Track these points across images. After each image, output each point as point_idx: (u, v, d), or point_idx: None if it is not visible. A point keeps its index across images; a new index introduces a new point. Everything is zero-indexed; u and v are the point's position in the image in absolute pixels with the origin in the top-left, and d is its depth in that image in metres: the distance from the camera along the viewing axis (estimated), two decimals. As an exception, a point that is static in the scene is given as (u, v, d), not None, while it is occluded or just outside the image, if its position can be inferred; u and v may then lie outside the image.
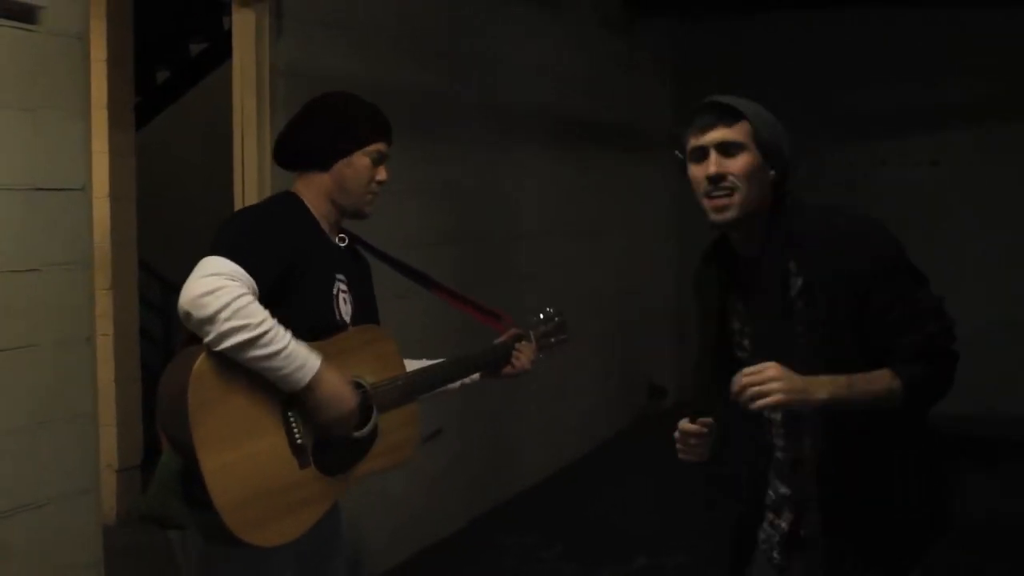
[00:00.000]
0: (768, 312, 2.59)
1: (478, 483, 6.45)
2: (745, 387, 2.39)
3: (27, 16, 3.28)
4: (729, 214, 2.55)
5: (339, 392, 2.70)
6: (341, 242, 3.01)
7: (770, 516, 2.74)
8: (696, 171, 2.59)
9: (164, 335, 8.19)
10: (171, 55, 7.90)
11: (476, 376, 3.25)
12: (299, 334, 2.67)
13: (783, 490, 2.70)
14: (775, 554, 2.73)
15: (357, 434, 2.81)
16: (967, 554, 5.62)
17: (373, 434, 2.86)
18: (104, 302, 5.84)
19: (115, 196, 6.08)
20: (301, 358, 2.62)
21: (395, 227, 4.93)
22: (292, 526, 2.71)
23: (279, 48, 4.64)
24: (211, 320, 2.53)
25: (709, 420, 2.61)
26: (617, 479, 7.32)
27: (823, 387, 2.43)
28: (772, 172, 2.57)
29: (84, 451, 3.57)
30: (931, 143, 9.08)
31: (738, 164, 2.53)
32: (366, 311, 3.03)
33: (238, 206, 4.69)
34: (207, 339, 2.55)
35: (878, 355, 2.49)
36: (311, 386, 2.64)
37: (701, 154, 2.58)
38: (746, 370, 2.42)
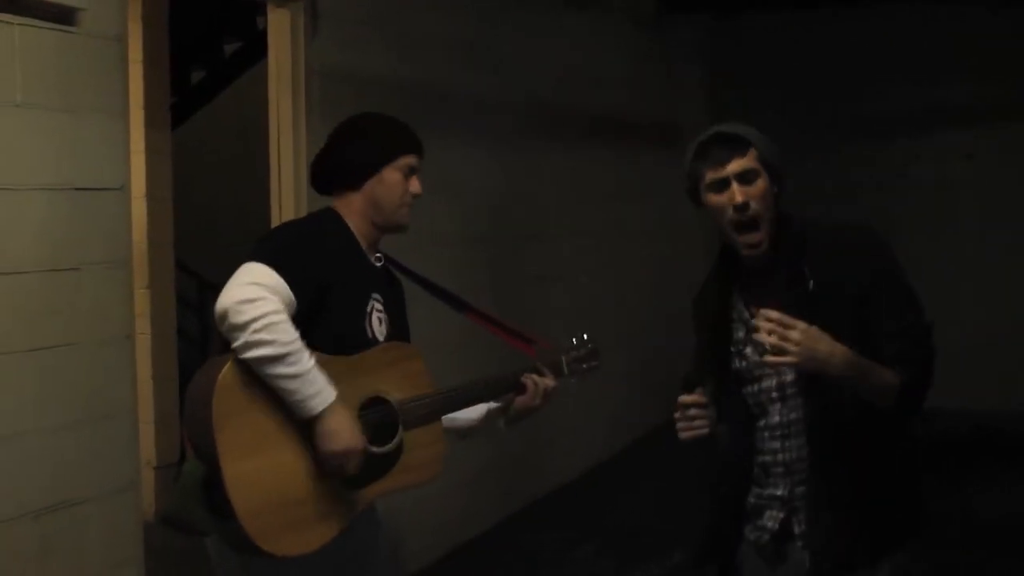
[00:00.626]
0: (785, 312, 2.63)
1: (513, 481, 6.47)
2: (772, 332, 2.48)
3: (67, 19, 3.32)
4: (763, 247, 2.68)
5: (345, 428, 2.69)
6: (378, 262, 3.03)
7: (757, 516, 2.83)
8: (718, 200, 2.70)
9: (201, 334, 8.24)
10: (205, 55, 7.95)
11: (500, 421, 3.23)
12: (329, 349, 2.72)
13: (772, 491, 2.78)
14: (765, 553, 2.83)
15: (380, 450, 2.82)
16: (987, 553, 5.64)
17: (398, 450, 2.87)
18: (141, 301, 5.89)
19: (152, 196, 6.14)
20: (319, 386, 2.65)
21: (424, 226, 4.94)
22: (312, 537, 2.71)
23: (314, 47, 4.67)
24: (243, 327, 2.56)
25: (703, 397, 2.69)
26: (650, 476, 7.31)
27: (842, 361, 2.51)
28: (777, 189, 2.71)
29: (124, 448, 3.61)
30: (966, 137, 9.02)
31: (756, 190, 2.66)
32: (400, 332, 3.04)
33: (274, 205, 4.72)
34: (235, 344, 2.59)
35: (872, 355, 2.59)
36: (321, 416, 2.66)
37: (722, 185, 2.69)
38: (782, 318, 2.49)
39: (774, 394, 2.74)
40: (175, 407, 6.32)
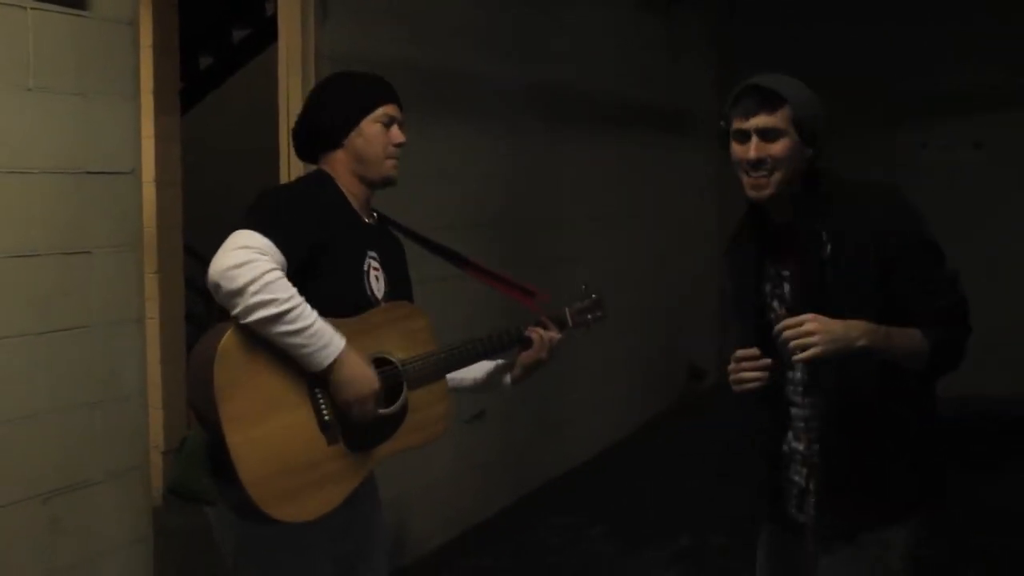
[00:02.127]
0: (801, 273, 2.73)
1: (523, 464, 6.49)
2: (787, 339, 2.53)
3: (79, 3, 3.34)
4: (765, 192, 2.71)
5: (361, 374, 2.69)
6: (371, 220, 3.01)
7: (786, 472, 2.86)
8: (738, 151, 2.74)
9: (209, 318, 8.26)
10: (214, 41, 7.96)
11: (507, 377, 3.22)
12: (329, 310, 2.69)
13: (796, 446, 2.82)
14: (791, 508, 2.86)
15: (385, 411, 2.80)
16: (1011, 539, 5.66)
17: (403, 411, 2.86)
18: (150, 286, 5.91)
19: (161, 181, 6.16)
20: (326, 337, 2.64)
21: (436, 211, 4.96)
22: (319, 503, 2.71)
23: (324, 33, 4.67)
24: (239, 293, 2.54)
25: (757, 351, 2.68)
26: (659, 460, 7.34)
27: (862, 334, 2.56)
28: (809, 149, 2.71)
29: (134, 430, 3.63)
30: (974, 125, 9.01)
31: (777, 148, 2.68)
32: (399, 289, 3.03)
33: (282, 190, 4.73)
34: (234, 312, 2.57)
35: (898, 320, 2.63)
36: (334, 366, 2.65)
37: (743, 136, 2.72)
38: (786, 322, 2.55)
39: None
40: (183, 391, 6.35)
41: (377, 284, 2.93)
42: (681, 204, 9.16)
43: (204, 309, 8.37)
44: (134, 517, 3.65)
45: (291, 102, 4.67)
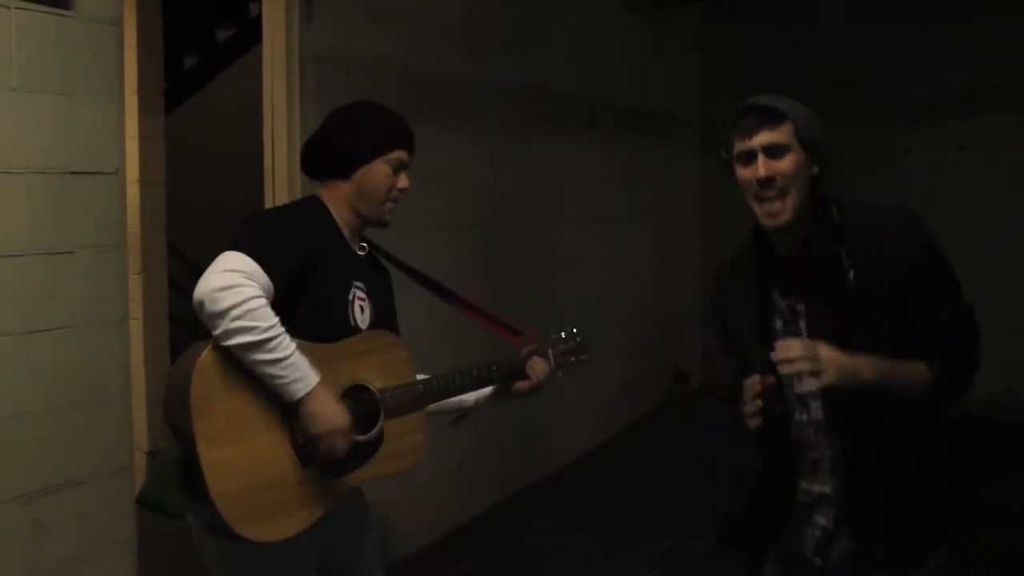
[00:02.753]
0: (819, 305, 2.61)
1: (506, 466, 6.49)
2: (798, 361, 2.41)
3: (63, 2, 3.34)
4: (783, 219, 2.57)
5: (330, 412, 2.70)
6: (361, 251, 3.02)
7: (805, 512, 2.75)
8: (745, 173, 2.60)
9: (193, 319, 8.24)
10: (198, 41, 7.94)
11: (489, 391, 3.25)
12: (313, 336, 2.72)
13: (820, 488, 2.71)
14: (807, 552, 2.74)
15: (361, 438, 2.82)
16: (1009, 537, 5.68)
17: (379, 439, 2.88)
18: (134, 286, 5.86)
19: (145, 181, 6.09)
20: (301, 371, 2.65)
21: (423, 213, 4.96)
22: (288, 524, 2.72)
23: (308, 33, 4.67)
24: (222, 315, 2.55)
25: (772, 379, 2.55)
26: (643, 463, 7.35)
27: (870, 367, 2.47)
28: (815, 169, 2.60)
29: (119, 430, 3.64)
30: (959, 128, 9.04)
31: (785, 165, 2.56)
32: (384, 320, 3.04)
33: (267, 192, 4.72)
34: (215, 332, 2.58)
35: (908, 346, 2.54)
36: (304, 400, 2.66)
37: (749, 157, 2.59)
38: (803, 343, 2.44)
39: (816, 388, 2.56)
40: (167, 392, 6.33)
41: (362, 315, 2.94)
42: (667, 206, 9.17)
43: (188, 310, 8.38)
44: (118, 518, 3.65)
45: (275, 102, 4.66)
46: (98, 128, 3.50)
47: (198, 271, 7.90)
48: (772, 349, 2.53)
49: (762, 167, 2.54)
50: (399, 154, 2.97)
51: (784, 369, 2.43)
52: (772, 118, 2.57)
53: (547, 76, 6.88)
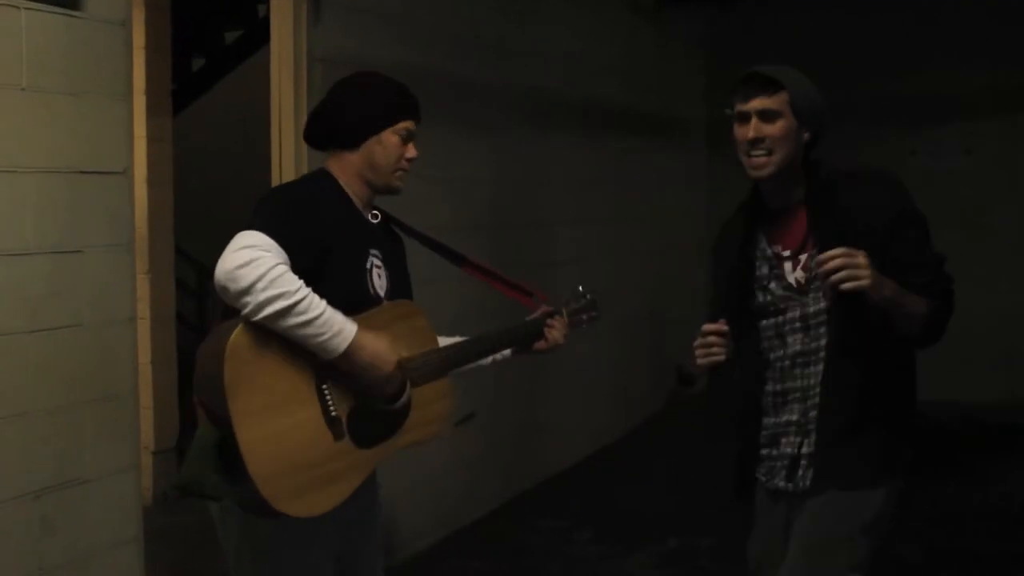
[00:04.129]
0: (826, 242, 2.83)
1: (511, 467, 6.50)
2: (840, 266, 2.66)
3: (72, 3, 3.35)
4: (766, 171, 2.93)
5: (378, 355, 2.74)
6: (374, 219, 3.04)
7: (773, 444, 3.06)
8: (739, 132, 2.96)
9: (199, 319, 8.28)
10: (206, 43, 7.97)
11: (508, 352, 3.28)
12: (334, 306, 2.71)
13: (789, 418, 3.02)
14: (779, 481, 3.05)
15: (389, 407, 2.84)
16: (1004, 542, 5.69)
17: (407, 407, 2.90)
18: (141, 286, 5.92)
19: (152, 181, 6.17)
20: (338, 324, 2.67)
21: (426, 213, 4.96)
22: (327, 498, 2.74)
23: (316, 35, 4.69)
24: (248, 291, 2.57)
25: (724, 327, 2.93)
26: (647, 463, 7.36)
27: (891, 284, 2.74)
28: (807, 134, 2.94)
29: (126, 429, 3.64)
30: (965, 132, 9.04)
31: (774, 128, 2.90)
32: (401, 287, 3.07)
33: (274, 191, 4.73)
34: (245, 311, 2.59)
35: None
36: (349, 352, 2.68)
37: (744, 118, 2.95)
38: (846, 250, 2.68)
39: (797, 324, 2.98)
40: (174, 392, 6.35)
41: (380, 281, 2.96)
42: (670, 207, 9.18)
43: (195, 310, 8.40)
44: (125, 517, 3.65)
45: (283, 103, 4.69)
46: (107, 128, 3.51)
47: (203, 270, 7.94)
48: (753, 293, 3.02)
49: (752, 129, 2.91)
50: (407, 123, 2.99)
51: (829, 269, 2.67)
52: (769, 86, 2.92)
53: (551, 78, 6.90)
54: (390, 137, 2.96)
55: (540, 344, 3.30)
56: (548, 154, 6.94)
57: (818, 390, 2.95)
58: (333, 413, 2.74)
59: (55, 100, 3.32)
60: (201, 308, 8.37)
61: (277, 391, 2.66)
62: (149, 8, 6.01)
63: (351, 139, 2.96)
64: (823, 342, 2.94)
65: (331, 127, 3.00)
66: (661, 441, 7.99)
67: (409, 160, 3.01)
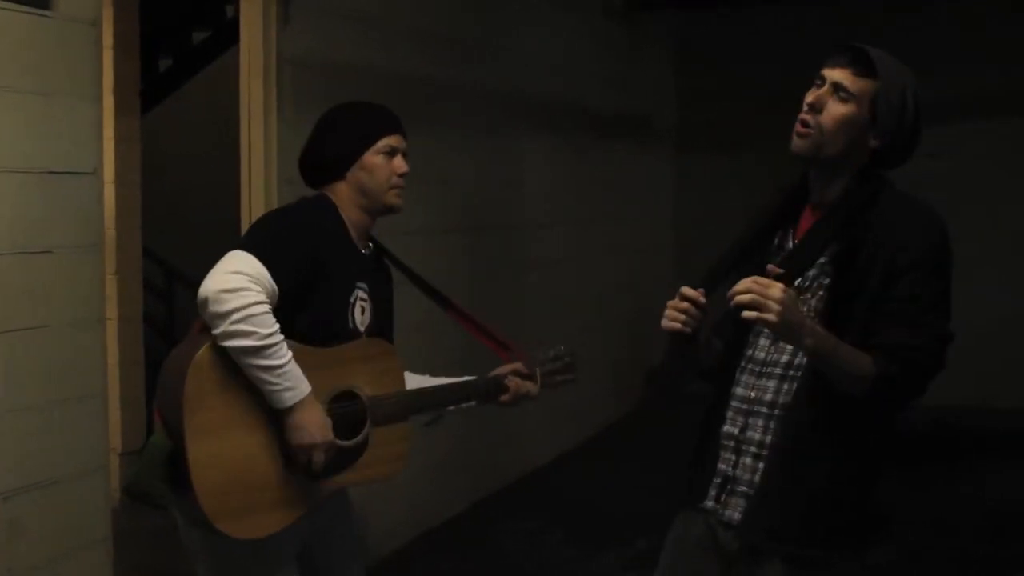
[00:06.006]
0: (806, 257, 2.59)
1: (480, 468, 6.51)
2: (748, 291, 2.37)
3: (42, 2, 3.33)
4: (801, 144, 2.60)
5: (314, 425, 2.75)
6: (367, 251, 3.06)
7: (713, 452, 2.71)
8: (807, 93, 2.63)
9: (167, 320, 8.24)
10: (173, 43, 7.93)
11: (471, 403, 3.30)
12: (309, 337, 2.77)
13: (730, 429, 2.67)
14: (708, 500, 2.71)
15: (346, 444, 2.87)
16: (979, 545, 5.74)
17: (363, 445, 2.92)
18: (108, 287, 5.88)
19: (120, 182, 6.14)
20: (293, 380, 2.70)
21: (401, 217, 4.95)
22: (266, 523, 2.76)
23: (286, 36, 4.68)
24: (224, 316, 2.61)
25: (702, 299, 2.59)
26: (616, 465, 7.38)
27: (813, 335, 2.41)
28: (874, 139, 2.61)
29: (95, 430, 3.63)
30: (929, 136, 9.08)
31: (839, 110, 2.58)
32: (383, 321, 3.09)
33: (243, 194, 4.72)
34: (215, 332, 2.64)
35: (865, 335, 2.49)
36: (293, 409, 2.71)
37: (821, 81, 2.62)
38: (757, 278, 2.39)
39: (766, 329, 2.55)
40: (141, 393, 6.32)
41: (361, 316, 2.98)
42: (642, 211, 9.21)
43: (163, 312, 8.35)
44: (94, 518, 3.64)
45: (252, 105, 4.67)
46: (77, 128, 3.50)
47: (171, 271, 7.89)
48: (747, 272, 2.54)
49: (814, 95, 2.60)
50: (387, 140, 3.00)
51: (735, 297, 2.39)
52: (862, 67, 2.59)
53: (525, 81, 6.91)
54: (372, 159, 2.98)
55: (504, 398, 3.30)
56: (523, 156, 6.95)
57: (764, 410, 2.61)
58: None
59: (25, 100, 3.31)
60: (169, 309, 8.33)
61: (234, 412, 2.70)
62: (117, 7, 5.97)
63: (335, 171, 2.99)
64: (785, 358, 2.61)
65: (315, 164, 3.04)
66: (631, 442, 8.01)
67: (401, 175, 3.01)
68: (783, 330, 2.39)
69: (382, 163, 2.98)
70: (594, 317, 7.83)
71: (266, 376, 2.66)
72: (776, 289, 2.36)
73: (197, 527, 2.76)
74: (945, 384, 2.72)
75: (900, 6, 8.70)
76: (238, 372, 2.67)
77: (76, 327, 3.53)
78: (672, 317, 2.59)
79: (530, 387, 3.31)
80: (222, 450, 2.67)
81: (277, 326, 2.66)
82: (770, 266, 2.42)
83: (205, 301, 2.63)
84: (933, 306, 2.52)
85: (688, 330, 2.59)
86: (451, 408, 3.27)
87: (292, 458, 2.77)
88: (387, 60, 5.33)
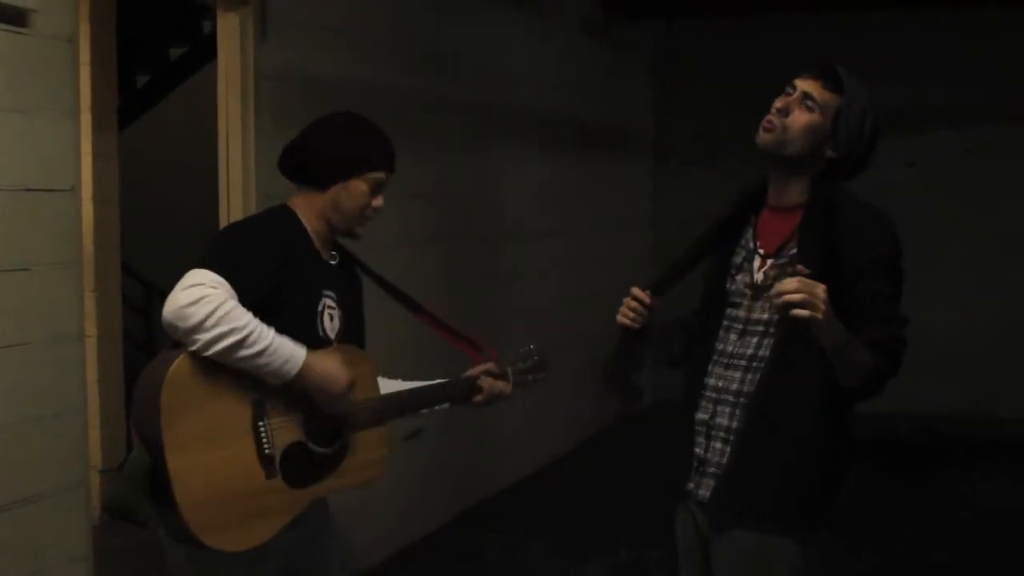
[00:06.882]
0: (807, 256, 2.74)
1: (462, 480, 6.51)
2: (798, 291, 2.54)
3: (19, 19, 3.33)
4: (766, 138, 2.84)
5: (330, 373, 2.77)
6: (332, 259, 3.04)
7: (695, 442, 2.95)
8: (777, 99, 2.87)
9: (146, 337, 8.21)
10: (151, 59, 7.92)
11: (446, 405, 3.30)
12: None
13: (701, 416, 2.93)
14: (691, 481, 2.95)
15: (325, 450, 2.87)
16: (966, 554, 5.76)
17: (342, 451, 2.93)
18: (87, 304, 5.85)
19: (98, 199, 6.10)
20: (287, 351, 2.70)
21: (381, 227, 4.95)
22: (252, 534, 2.75)
23: (264, 51, 4.68)
24: (197, 329, 2.59)
25: (649, 299, 2.96)
26: (598, 475, 7.39)
27: (838, 331, 2.61)
28: (832, 151, 2.84)
29: (74, 446, 3.62)
30: (907, 145, 9.16)
31: (804, 117, 2.82)
32: (353, 329, 3.08)
33: (222, 209, 4.72)
34: (195, 347, 2.61)
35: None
36: (302, 375, 2.72)
37: (791, 90, 2.86)
38: (803, 279, 2.56)
39: (737, 325, 2.90)
40: (121, 410, 6.28)
41: (331, 324, 2.97)
42: (621, 222, 9.24)
43: (142, 328, 8.33)
44: (75, 535, 3.63)
45: (230, 120, 4.67)
46: (54, 145, 3.49)
47: (150, 287, 7.84)
48: (726, 279, 2.92)
49: (780, 101, 2.85)
50: (379, 175, 2.98)
51: (784, 290, 2.55)
52: (829, 81, 2.83)
53: (504, 94, 6.93)
54: (359, 185, 2.95)
55: (477, 398, 3.29)
56: (499, 168, 6.97)
57: (730, 399, 2.86)
58: (267, 451, 2.76)
59: (2, 117, 3.31)
60: (148, 325, 8.30)
61: (212, 423, 2.68)
62: (94, 24, 5.95)
63: (320, 179, 2.95)
64: (750, 351, 2.86)
65: (302, 163, 2.99)
66: (612, 453, 8.03)
67: (375, 210, 3.00)
68: (825, 325, 2.57)
69: (365, 193, 2.96)
70: (574, 328, 7.83)
71: (260, 361, 2.65)
72: (821, 289, 2.56)
73: (182, 543, 2.74)
74: (935, 392, 2.92)
75: (873, 20, 8.76)
76: (213, 382, 2.66)
77: (55, 344, 3.52)
78: (623, 314, 3.01)
79: (503, 387, 3.31)
80: (203, 463, 2.65)
81: (250, 314, 2.64)
82: (800, 266, 2.60)
83: (172, 325, 2.60)
84: (896, 298, 2.77)
85: (636, 326, 2.98)
86: (425, 411, 3.27)
87: (283, 454, 2.77)
88: (365, 74, 5.34)
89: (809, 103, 2.82)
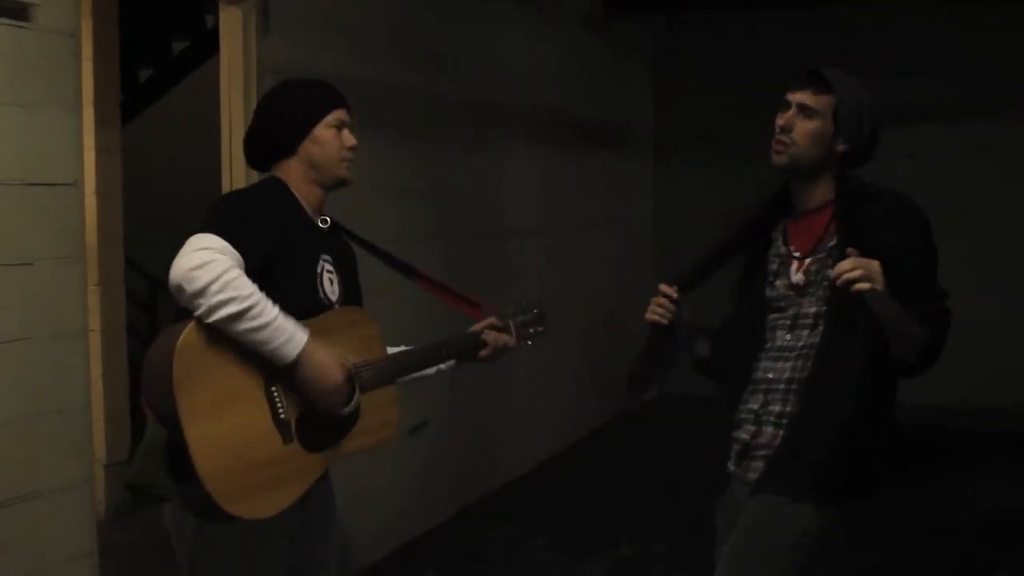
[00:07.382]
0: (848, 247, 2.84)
1: (463, 476, 6.51)
2: (855, 268, 2.70)
3: (21, 14, 3.33)
4: (780, 159, 3.01)
5: (325, 367, 2.76)
6: (323, 224, 3.06)
7: (737, 427, 3.11)
8: (777, 117, 3.03)
9: (150, 331, 8.21)
10: (153, 53, 7.93)
11: (452, 363, 3.31)
12: (285, 311, 2.73)
13: (751, 406, 3.07)
14: (731, 464, 3.11)
15: (340, 412, 2.86)
16: (965, 550, 5.75)
17: (355, 413, 2.92)
18: (91, 298, 5.86)
19: (102, 193, 6.12)
20: (288, 332, 2.69)
21: (381, 224, 4.97)
22: (273, 500, 2.75)
23: (266, 46, 4.68)
24: (201, 293, 2.59)
25: (676, 294, 3.09)
26: (600, 471, 7.39)
27: (894, 306, 2.78)
28: (841, 145, 3.01)
29: (78, 442, 3.61)
30: (908, 137, 9.15)
31: (807, 126, 2.99)
32: (352, 293, 3.10)
33: (225, 201, 4.72)
34: (198, 312, 2.61)
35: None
36: (298, 360, 2.71)
37: (786, 106, 3.03)
38: (856, 258, 2.72)
39: (787, 322, 3.05)
40: (125, 404, 6.30)
41: (331, 287, 2.99)
42: (622, 218, 9.23)
43: (145, 323, 8.34)
44: (79, 531, 3.63)
45: (233, 114, 4.68)
46: (57, 139, 3.49)
47: (154, 282, 7.85)
48: (764, 286, 3.08)
49: (782, 118, 3.00)
50: (336, 114, 3.03)
51: (844, 269, 2.71)
52: (818, 86, 2.99)
53: (504, 91, 6.93)
54: (323, 132, 3.00)
55: (483, 353, 3.32)
56: (500, 164, 6.96)
57: (782, 387, 3.01)
58: (282, 416, 2.75)
59: (4, 112, 3.30)
60: (152, 320, 8.31)
61: (226, 391, 2.67)
62: (97, 18, 5.97)
63: (286, 146, 3.00)
64: (801, 343, 3.00)
65: (264, 142, 3.04)
66: (613, 449, 8.03)
67: (351, 148, 3.04)
68: (881, 297, 2.74)
69: (332, 136, 3.00)
70: (575, 324, 7.83)
71: (260, 336, 2.64)
72: (876, 264, 2.72)
73: (199, 515, 2.73)
74: (933, 387, 3.02)
75: (871, 13, 8.74)
76: (224, 349, 2.65)
77: (58, 339, 3.52)
78: (652, 311, 3.10)
79: (507, 339, 3.36)
80: (219, 431, 2.63)
81: (255, 286, 2.64)
82: (850, 249, 2.75)
83: (179, 286, 2.60)
84: (935, 273, 2.97)
85: (665, 322, 3.09)
86: (432, 371, 3.28)
87: (299, 418, 2.77)
88: (366, 70, 5.33)
89: (807, 112, 2.98)
